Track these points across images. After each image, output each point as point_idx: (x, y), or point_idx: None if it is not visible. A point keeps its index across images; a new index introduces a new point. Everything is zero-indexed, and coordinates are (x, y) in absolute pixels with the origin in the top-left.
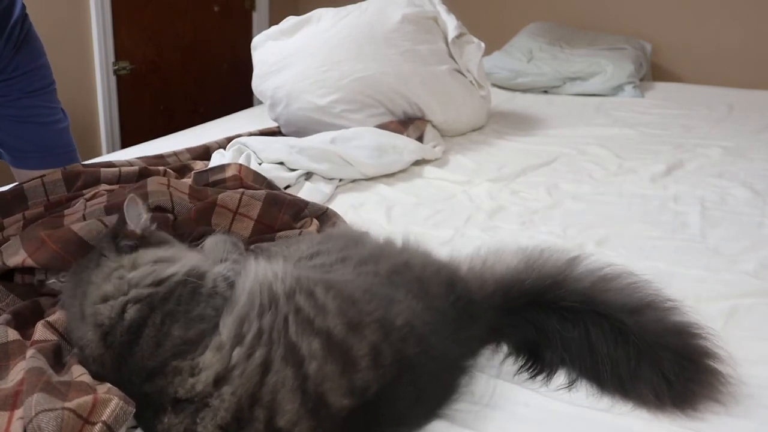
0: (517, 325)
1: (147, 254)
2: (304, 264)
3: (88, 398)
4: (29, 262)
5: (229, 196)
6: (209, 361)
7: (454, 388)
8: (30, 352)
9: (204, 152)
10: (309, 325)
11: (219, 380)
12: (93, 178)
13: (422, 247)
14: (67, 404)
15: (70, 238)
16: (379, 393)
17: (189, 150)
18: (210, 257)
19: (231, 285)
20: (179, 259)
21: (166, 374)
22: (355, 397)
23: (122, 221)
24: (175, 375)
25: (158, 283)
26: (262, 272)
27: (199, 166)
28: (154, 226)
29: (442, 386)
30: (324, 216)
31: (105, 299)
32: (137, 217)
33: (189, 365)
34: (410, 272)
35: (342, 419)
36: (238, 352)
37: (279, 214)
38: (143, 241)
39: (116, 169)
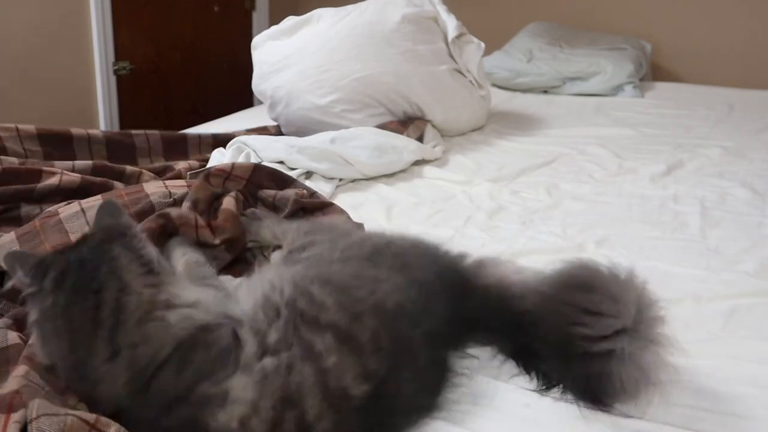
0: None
1: (182, 291)
2: (295, 257)
3: (91, 414)
4: None
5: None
6: (240, 389)
7: (451, 367)
8: (22, 369)
9: (179, 141)
10: (316, 323)
11: (256, 406)
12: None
13: (419, 237)
14: (71, 411)
15: None
16: (386, 376)
17: (162, 135)
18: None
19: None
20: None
21: (193, 403)
22: (370, 381)
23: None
24: (205, 404)
25: (193, 328)
26: (258, 286)
27: (181, 166)
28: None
29: (439, 364)
30: (315, 196)
31: (145, 340)
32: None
33: (219, 393)
34: (388, 249)
35: (359, 408)
36: (269, 361)
37: (264, 181)
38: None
39: (56, 179)
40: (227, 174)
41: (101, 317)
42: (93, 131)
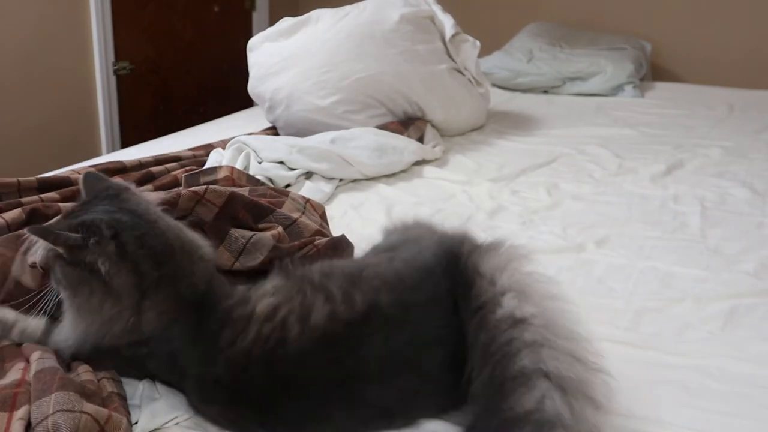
0: None
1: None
2: None
3: (104, 412)
4: None
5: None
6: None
7: (436, 345)
8: (36, 354)
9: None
10: (303, 279)
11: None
12: None
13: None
14: (86, 408)
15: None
16: (350, 329)
17: (156, 158)
18: None
19: None
20: None
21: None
22: (335, 322)
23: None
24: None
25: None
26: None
27: (177, 171)
28: None
29: (420, 339)
30: (294, 227)
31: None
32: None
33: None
34: (388, 239)
35: (318, 339)
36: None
37: (240, 212)
38: None
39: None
40: (199, 197)
41: (172, 243)
42: (90, 172)
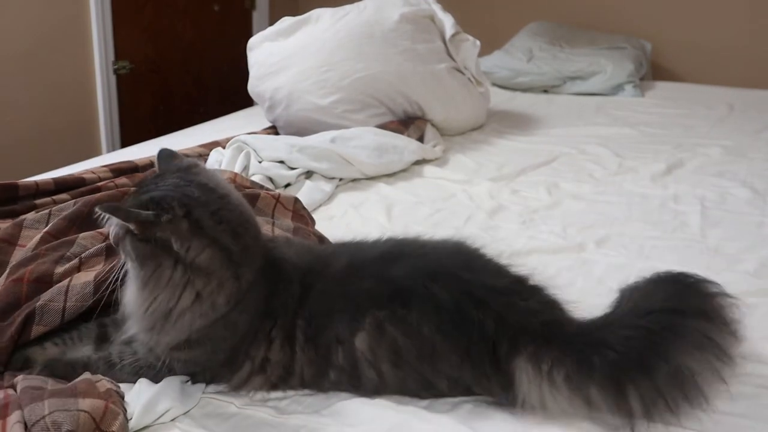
0: None
1: None
2: None
3: (100, 403)
4: None
5: None
6: None
7: None
8: (20, 376)
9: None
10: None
11: None
12: None
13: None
14: (82, 406)
15: None
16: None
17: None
18: None
19: None
20: None
21: None
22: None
23: None
24: None
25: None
26: None
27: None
28: None
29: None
30: None
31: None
32: None
33: None
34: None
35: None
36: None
37: None
38: None
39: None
40: None
41: (247, 218)
42: (104, 173)
